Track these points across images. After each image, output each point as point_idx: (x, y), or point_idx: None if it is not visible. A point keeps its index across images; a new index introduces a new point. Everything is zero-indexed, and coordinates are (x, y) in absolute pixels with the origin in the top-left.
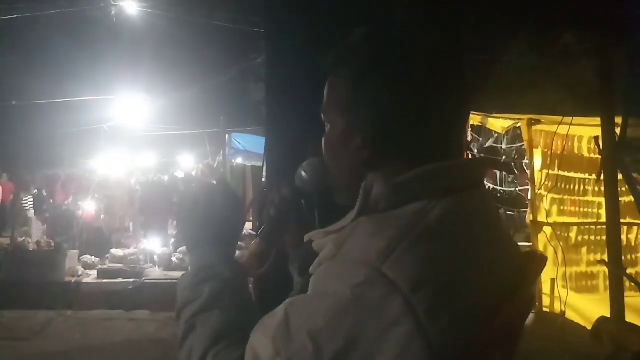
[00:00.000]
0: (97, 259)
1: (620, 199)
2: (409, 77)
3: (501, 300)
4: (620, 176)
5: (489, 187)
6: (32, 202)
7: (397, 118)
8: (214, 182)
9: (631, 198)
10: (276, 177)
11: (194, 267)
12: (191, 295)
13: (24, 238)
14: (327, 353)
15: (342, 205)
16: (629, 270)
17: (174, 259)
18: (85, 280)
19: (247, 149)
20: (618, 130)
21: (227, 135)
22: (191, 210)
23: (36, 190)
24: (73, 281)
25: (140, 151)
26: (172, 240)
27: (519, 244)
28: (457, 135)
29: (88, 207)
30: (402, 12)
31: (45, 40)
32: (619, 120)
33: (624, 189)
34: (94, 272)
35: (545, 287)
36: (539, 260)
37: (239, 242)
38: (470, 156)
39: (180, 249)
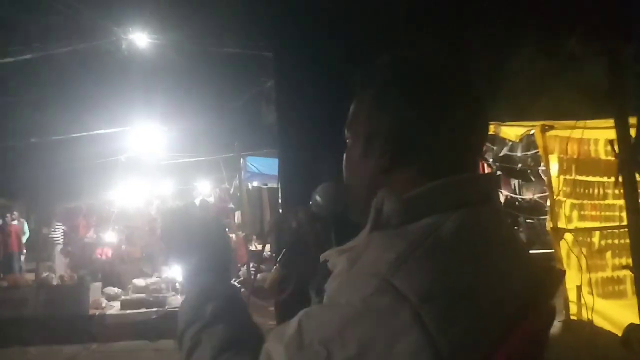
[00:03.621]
0: (120, 290)
1: None
2: (426, 94)
3: (517, 313)
4: (638, 177)
5: (508, 196)
6: (62, 236)
7: (413, 131)
8: (204, 212)
9: None
10: (291, 198)
11: (196, 290)
12: (194, 316)
13: (47, 273)
14: None
15: (358, 228)
16: None
17: None
18: (109, 312)
19: (262, 172)
20: (632, 131)
21: (242, 159)
22: (194, 239)
23: (62, 225)
24: (97, 314)
25: (157, 180)
26: None
27: (541, 251)
28: (473, 150)
29: (109, 239)
30: (407, 36)
31: (60, 77)
32: (632, 120)
33: None
34: (117, 304)
35: (571, 295)
36: (557, 274)
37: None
38: (485, 166)
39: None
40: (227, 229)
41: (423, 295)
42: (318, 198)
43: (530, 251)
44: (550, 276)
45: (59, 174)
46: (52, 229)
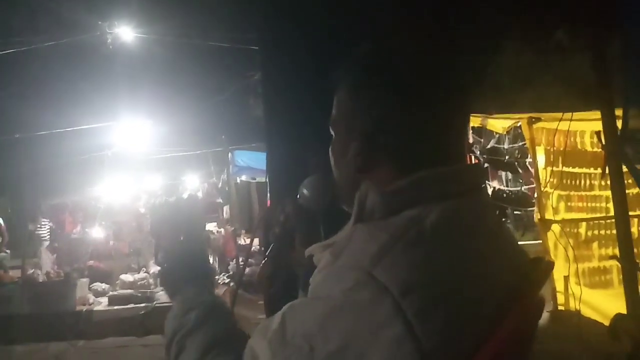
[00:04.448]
0: (108, 285)
1: (627, 191)
2: (402, 85)
3: (503, 305)
4: (624, 168)
5: (495, 188)
6: (48, 233)
7: (391, 124)
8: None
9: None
10: (279, 192)
11: (179, 301)
12: (178, 325)
13: (33, 270)
14: (320, 355)
15: (346, 221)
16: None
17: None
18: (97, 308)
19: (251, 166)
20: (619, 123)
21: (229, 154)
22: (179, 251)
23: (48, 221)
24: (84, 310)
25: (144, 175)
26: None
27: (529, 242)
28: (455, 141)
29: (96, 235)
30: (395, 24)
31: (45, 71)
32: (619, 112)
33: (630, 180)
34: (105, 300)
35: (559, 285)
36: (545, 266)
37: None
38: (472, 158)
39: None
40: (206, 238)
41: (404, 287)
42: (305, 191)
43: (519, 242)
44: (538, 267)
45: (45, 169)
46: (38, 225)
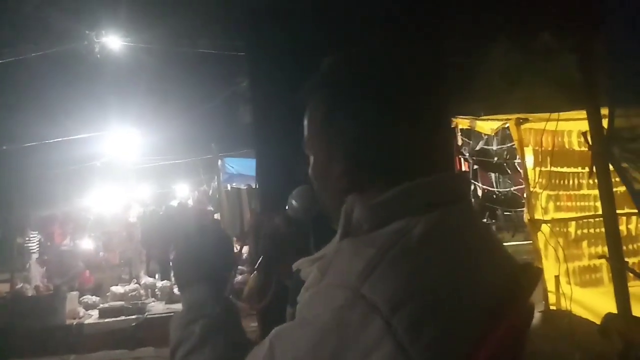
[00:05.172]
0: (98, 298)
1: (615, 189)
2: (378, 98)
3: (494, 314)
4: (611, 167)
5: (485, 189)
6: (38, 245)
7: (374, 140)
8: (206, 218)
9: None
10: (270, 200)
11: (185, 305)
12: (183, 335)
13: (22, 284)
14: None
15: (335, 232)
16: (631, 260)
17: (175, 291)
18: (87, 321)
19: (241, 173)
20: (604, 122)
21: (219, 161)
22: (183, 248)
23: (37, 233)
24: (75, 323)
25: (134, 184)
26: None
27: (520, 243)
28: (441, 148)
29: (86, 246)
30: (380, 31)
31: (33, 82)
32: (604, 110)
33: (617, 179)
34: (95, 312)
35: (550, 285)
36: (534, 272)
37: (231, 278)
38: (462, 160)
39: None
40: (225, 232)
41: (393, 304)
42: (294, 202)
43: (510, 243)
44: (527, 274)
45: (33, 181)
46: (27, 238)
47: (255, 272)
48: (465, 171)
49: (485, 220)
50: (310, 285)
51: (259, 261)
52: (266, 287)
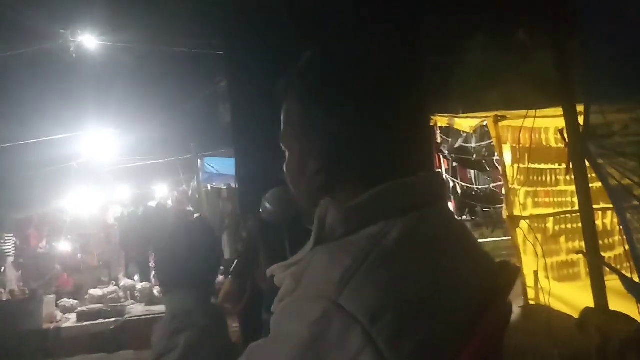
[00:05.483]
0: (76, 301)
1: (591, 185)
2: (354, 96)
3: (474, 316)
4: (587, 164)
5: (464, 186)
6: (13, 249)
7: (347, 139)
8: (190, 216)
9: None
10: (249, 201)
11: (169, 313)
12: (166, 347)
13: None
14: None
15: (310, 234)
16: (607, 254)
17: (155, 292)
18: (65, 325)
19: (221, 172)
20: (580, 119)
21: (199, 161)
22: (166, 248)
23: (12, 236)
24: (52, 327)
25: (113, 185)
26: (153, 273)
27: (499, 239)
28: (417, 147)
29: (63, 248)
30: (356, 30)
31: (7, 82)
32: (580, 107)
33: (593, 175)
34: (73, 316)
35: (529, 280)
36: (512, 271)
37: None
38: (441, 158)
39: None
40: (212, 231)
41: (373, 314)
42: (267, 205)
43: (489, 239)
44: (504, 274)
45: (8, 183)
46: (2, 241)
47: (230, 276)
48: (439, 171)
49: (463, 217)
50: (284, 294)
51: (234, 265)
52: (241, 291)
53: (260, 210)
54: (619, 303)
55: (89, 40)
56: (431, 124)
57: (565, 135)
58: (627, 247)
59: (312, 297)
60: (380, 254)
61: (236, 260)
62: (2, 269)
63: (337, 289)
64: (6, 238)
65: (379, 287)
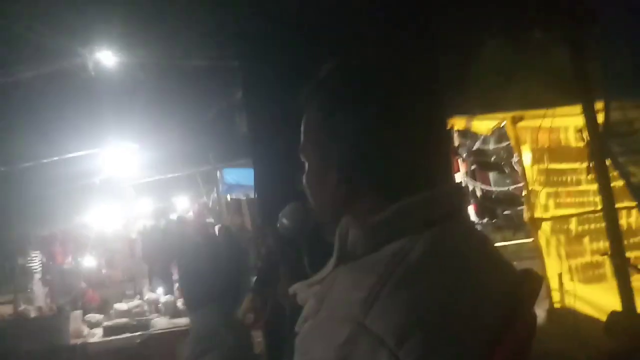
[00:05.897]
0: (102, 315)
1: (613, 183)
2: (376, 106)
3: (500, 329)
4: (608, 162)
5: (484, 189)
6: (40, 266)
7: (368, 150)
8: (212, 228)
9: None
10: (269, 212)
11: (195, 333)
12: None
13: (24, 306)
14: None
15: (330, 248)
16: (633, 254)
17: (179, 304)
18: (91, 340)
19: (240, 183)
20: (599, 116)
21: (218, 172)
22: (188, 266)
23: (39, 253)
24: (79, 343)
25: (134, 200)
26: (177, 285)
27: (521, 241)
28: (438, 157)
29: (88, 264)
30: (375, 42)
31: (27, 102)
32: (599, 105)
33: (615, 173)
34: (99, 331)
35: (553, 283)
36: (535, 279)
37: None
38: (459, 160)
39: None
40: (239, 245)
41: (400, 336)
42: (285, 220)
43: (511, 242)
44: (528, 283)
45: (32, 201)
46: (28, 259)
47: (249, 293)
48: (460, 184)
49: (484, 220)
50: (308, 315)
51: (254, 282)
52: (262, 306)
53: (278, 225)
54: None
55: (106, 57)
56: (449, 129)
57: (585, 134)
58: None
59: (338, 319)
60: (404, 272)
61: (256, 278)
62: (30, 286)
63: (362, 310)
64: (33, 255)
65: (404, 307)
